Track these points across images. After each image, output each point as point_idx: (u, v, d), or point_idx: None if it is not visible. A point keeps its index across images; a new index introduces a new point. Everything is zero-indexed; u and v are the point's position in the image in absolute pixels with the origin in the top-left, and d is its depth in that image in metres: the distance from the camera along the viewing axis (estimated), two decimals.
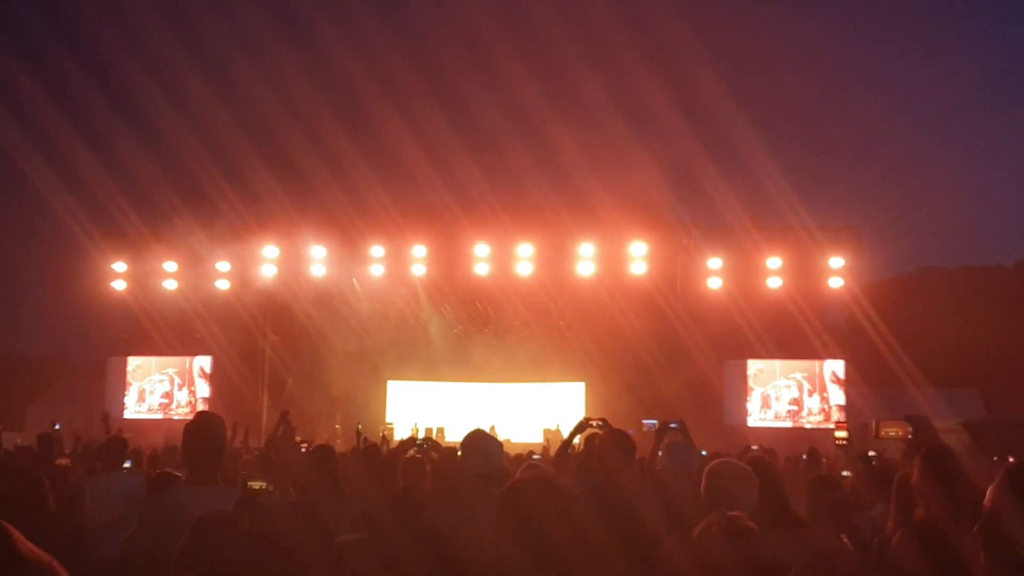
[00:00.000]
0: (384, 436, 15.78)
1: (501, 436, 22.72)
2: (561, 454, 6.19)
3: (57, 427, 8.24)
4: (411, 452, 6.34)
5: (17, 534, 1.85)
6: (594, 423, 6.01)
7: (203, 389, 24.06)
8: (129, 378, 24.59)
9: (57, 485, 5.35)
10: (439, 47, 48.95)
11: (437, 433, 22.74)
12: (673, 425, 5.98)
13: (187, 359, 24.19)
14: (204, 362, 24.05)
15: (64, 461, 5.99)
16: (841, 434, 6.31)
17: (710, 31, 60.75)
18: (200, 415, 4.29)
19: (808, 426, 22.03)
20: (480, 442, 4.68)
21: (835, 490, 4.73)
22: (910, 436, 5.21)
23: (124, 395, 24.40)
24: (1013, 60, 71.15)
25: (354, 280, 22.76)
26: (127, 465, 6.69)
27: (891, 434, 5.36)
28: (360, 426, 11.32)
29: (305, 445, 8.61)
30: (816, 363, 22.43)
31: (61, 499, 5.23)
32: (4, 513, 4.54)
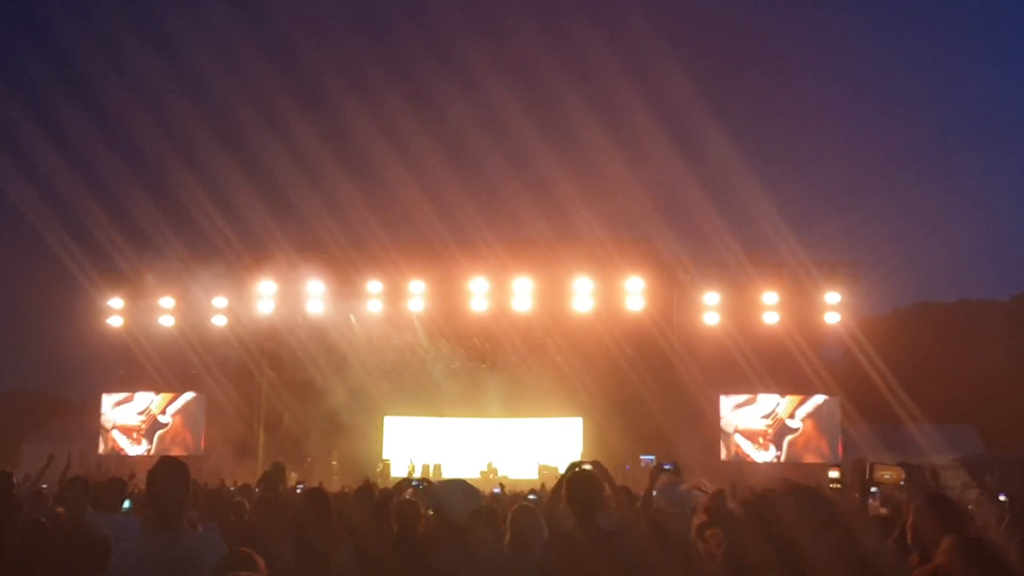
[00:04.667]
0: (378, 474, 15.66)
1: (499, 472, 22.71)
2: (555, 494, 6.21)
3: (44, 486, 8.15)
4: (408, 492, 6.31)
5: None
6: (585, 466, 6.02)
7: (199, 425, 23.92)
8: (122, 414, 24.39)
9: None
10: (436, 85, 49.37)
11: (434, 470, 22.64)
12: (667, 467, 5.99)
13: (182, 395, 24.07)
14: (201, 398, 23.92)
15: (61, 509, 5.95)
16: (834, 475, 6.20)
17: (706, 69, 61.35)
18: (163, 460, 4.15)
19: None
20: (460, 486, 5.28)
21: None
22: (902, 482, 5.24)
23: (117, 432, 24.21)
24: (1010, 96, 71.78)
25: (351, 316, 22.77)
26: (126, 506, 6.63)
27: (885, 477, 5.36)
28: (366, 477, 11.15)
29: (301, 484, 8.57)
30: (810, 398, 22.34)
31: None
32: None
